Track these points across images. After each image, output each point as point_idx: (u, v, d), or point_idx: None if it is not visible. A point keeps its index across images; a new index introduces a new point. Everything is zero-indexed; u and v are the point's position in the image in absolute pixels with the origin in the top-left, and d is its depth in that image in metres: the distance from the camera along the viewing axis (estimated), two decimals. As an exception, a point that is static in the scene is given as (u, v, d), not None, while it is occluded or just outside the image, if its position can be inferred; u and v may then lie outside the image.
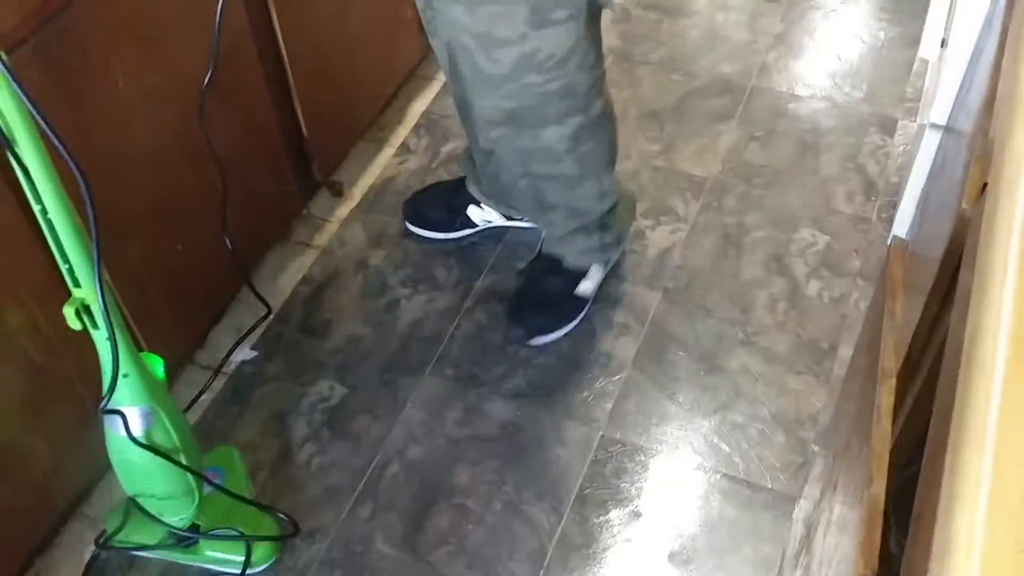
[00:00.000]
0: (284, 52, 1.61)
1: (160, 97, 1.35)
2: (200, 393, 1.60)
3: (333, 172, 1.93)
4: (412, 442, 1.55)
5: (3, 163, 1.01)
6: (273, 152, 1.69)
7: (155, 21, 1.32)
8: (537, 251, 1.76)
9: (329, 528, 1.46)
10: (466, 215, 1.80)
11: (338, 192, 1.92)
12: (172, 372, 1.56)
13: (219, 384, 1.63)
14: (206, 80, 1.26)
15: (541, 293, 1.70)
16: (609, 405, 1.59)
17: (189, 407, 1.58)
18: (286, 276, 1.78)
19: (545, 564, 1.41)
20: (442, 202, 1.83)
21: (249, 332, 1.68)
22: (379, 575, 1.41)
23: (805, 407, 1.57)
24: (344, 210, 1.90)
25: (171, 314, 1.53)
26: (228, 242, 1.50)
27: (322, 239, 1.85)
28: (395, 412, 1.59)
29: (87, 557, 1.43)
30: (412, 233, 1.84)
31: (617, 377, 1.62)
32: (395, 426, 1.57)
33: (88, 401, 1.30)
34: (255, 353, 1.67)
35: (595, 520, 1.46)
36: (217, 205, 1.45)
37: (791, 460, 1.51)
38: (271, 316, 1.71)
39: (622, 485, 1.49)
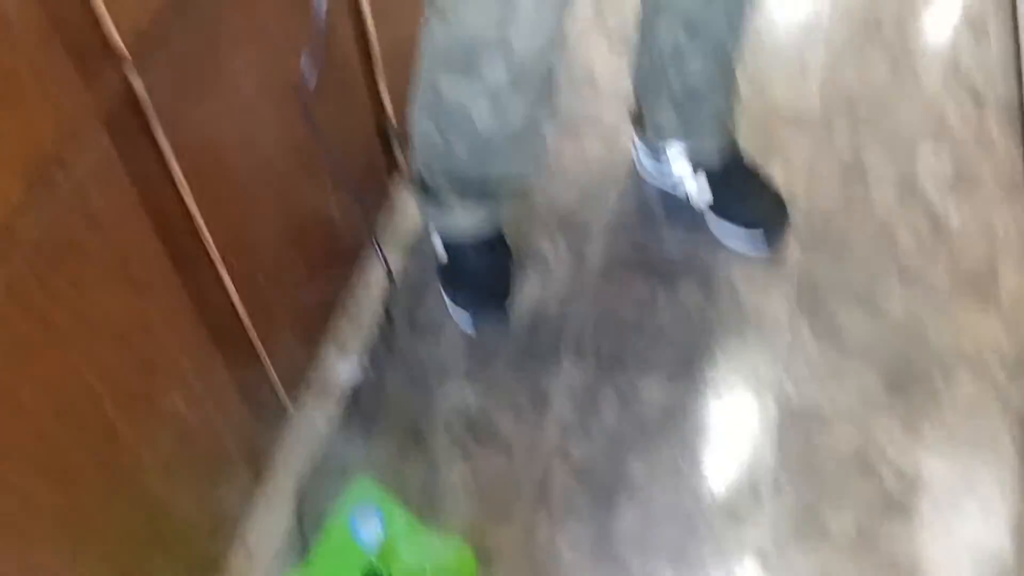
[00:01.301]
0: (373, 33, 1.40)
1: (268, 95, 1.16)
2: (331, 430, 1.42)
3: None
4: (571, 438, 1.39)
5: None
6: (370, 143, 1.50)
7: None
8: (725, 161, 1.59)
9: (505, 549, 1.29)
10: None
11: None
12: (290, 396, 1.37)
13: (335, 408, 1.44)
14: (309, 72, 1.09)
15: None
16: (778, 368, 1.44)
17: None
18: (380, 280, 1.59)
19: (762, 554, 1.26)
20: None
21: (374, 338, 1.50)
22: (578, 590, 1.25)
23: (984, 341, 1.44)
24: (425, 197, 1.71)
25: (296, 339, 1.34)
26: (377, 247, 1.32)
27: (415, 231, 1.66)
28: (543, 409, 1.42)
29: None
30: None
31: (776, 337, 1.47)
32: (546, 425, 1.40)
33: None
34: (372, 368, 1.48)
35: (800, 503, 1.31)
36: (330, 207, 1.27)
37: (988, 398, 1.38)
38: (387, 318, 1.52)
39: (812, 452, 1.35)
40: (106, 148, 0.85)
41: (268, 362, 1.24)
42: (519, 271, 1.57)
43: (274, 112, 1.15)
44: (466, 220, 1.49)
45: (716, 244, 1.58)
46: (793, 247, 1.57)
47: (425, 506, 1.33)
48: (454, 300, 1.53)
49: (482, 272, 1.54)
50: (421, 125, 1.35)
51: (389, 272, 1.46)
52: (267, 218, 1.19)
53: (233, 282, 1.10)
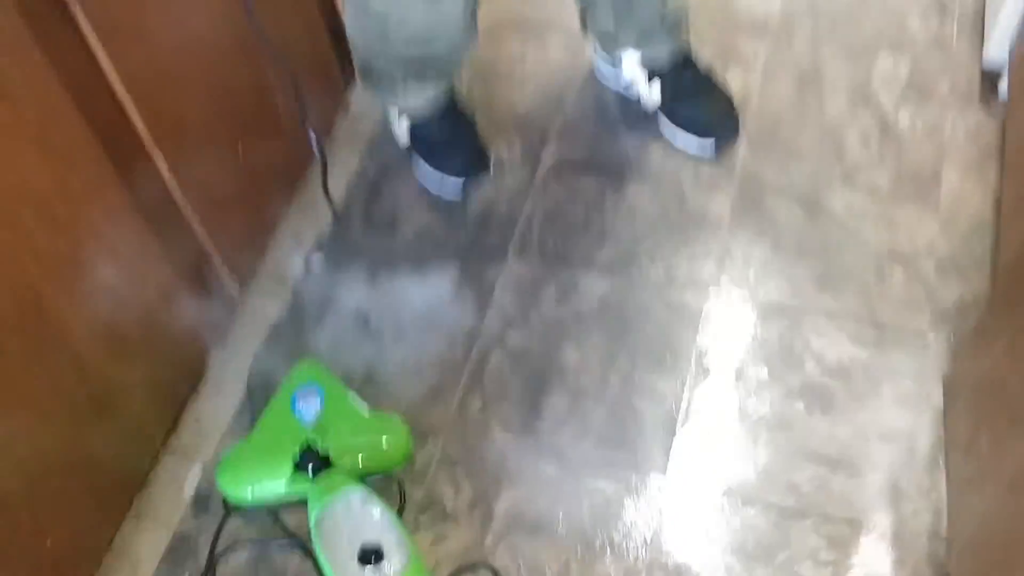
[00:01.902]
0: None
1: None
2: (283, 313, 1.48)
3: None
4: (510, 328, 1.44)
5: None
6: (316, 38, 1.55)
7: None
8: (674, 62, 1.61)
9: (440, 427, 1.35)
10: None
11: (376, 80, 1.77)
12: (238, 280, 1.44)
13: (286, 294, 1.51)
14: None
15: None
16: (711, 264, 1.48)
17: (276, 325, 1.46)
18: (338, 173, 1.65)
19: (676, 433, 1.32)
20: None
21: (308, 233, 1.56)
22: (504, 463, 1.31)
23: (919, 240, 1.47)
24: (385, 98, 1.76)
25: (240, 224, 1.40)
26: (313, 138, 1.38)
27: (367, 129, 1.71)
28: (485, 300, 1.48)
29: (188, 492, 1.33)
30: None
31: (716, 234, 1.51)
32: (488, 314, 1.46)
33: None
34: (321, 258, 1.55)
35: (720, 381, 1.36)
36: (275, 103, 1.32)
37: (914, 294, 1.42)
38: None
39: (741, 342, 1.40)
40: (15, 23, 0.91)
41: (209, 243, 1.30)
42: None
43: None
44: (419, 97, 1.56)
45: (667, 146, 1.62)
46: (743, 148, 1.60)
47: (367, 387, 1.39)
48: (433, 171, 1.60)
49: (452, 137, 1.61)
50: (355, 18, 1.43)
51: (324, 166, 1.50)
52: (203, 102, 1.24)
53: (165, 159, 1.15)
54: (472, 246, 1.54)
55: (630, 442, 1.32)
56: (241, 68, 1.31)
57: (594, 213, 1.56)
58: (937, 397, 1.32)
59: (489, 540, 1.26)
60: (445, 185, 1.59)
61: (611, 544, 1.24)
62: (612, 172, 1.60)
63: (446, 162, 1.59)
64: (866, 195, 1.53)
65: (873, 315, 1.41)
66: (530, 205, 1.58)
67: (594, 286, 1.47)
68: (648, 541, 1.24)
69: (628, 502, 1.27)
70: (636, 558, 1.23)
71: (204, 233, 1.28)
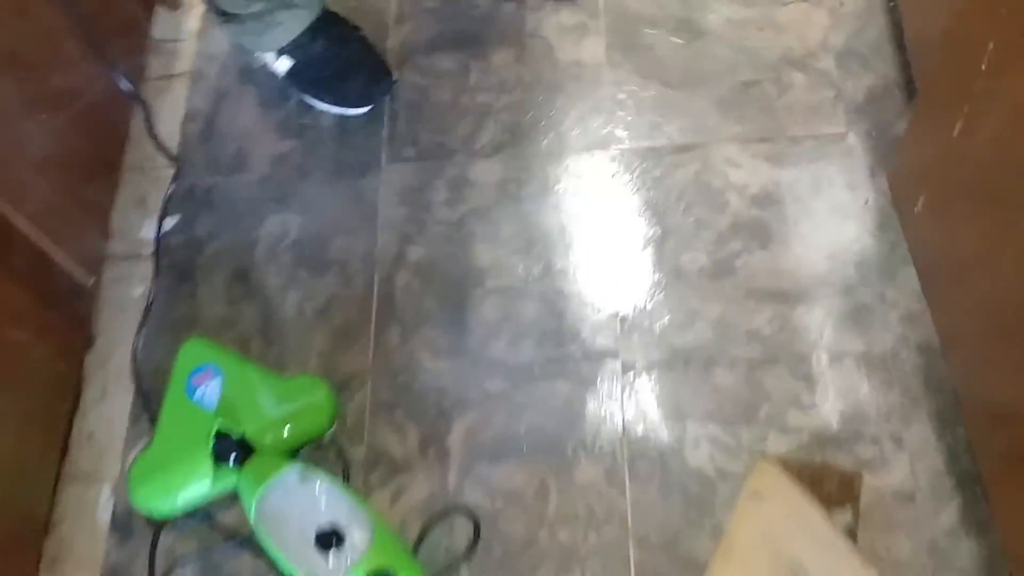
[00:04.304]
0: None
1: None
2: (152, 289, 1.29)
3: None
4: (407, 242, 1.29)
5: None
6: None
7: None
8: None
9: (363, 371, 1.21)
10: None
11: (174, 3, 1.54)
12: (86, 268, 1.25)
13: (148, 270, 1.31)
14: None
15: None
16: (602, 118, 1.34)
17: (147, 304, 1.27)
18: (164, 120, 1.43)
19: (618, 311, 1.21)
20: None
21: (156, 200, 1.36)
22: (444, 392, 1.18)
23: (810, 38, 1.36)
24: (193, 21, 1.53)
25: (69, 204, 1.20)
26: (124, 82, 1.17)
27: (185, 64, 1.49)
28: (371, 218, 1.31)
29: (104, 520, 1.16)
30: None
31: (599, 84, 1.37)
32: (379, 233, 1.30)
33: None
34: (176, 219, 1.35)
35: (649, 243, 1.25)
36: (67, 51, 1.10)
37: (821, 97, 1.32)
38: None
39: (657, 197, 1.28)
40: None
41: (38, 238, 1.10)
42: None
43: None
44: (295, 27, 1.34)
45: (523, 5, 1.45)
46: (600, -15, 1.45)
47: (268, 350, 1.23)
48: (333, 107, 1.39)
49: (344, 62, 1.38)
50: None
51: (148, 114, 1.29)
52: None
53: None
54: (338, 163, 1.36)
55: (572, 332, 1.20)
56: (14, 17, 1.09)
57: (462, 93, 1.39)
58: (874, 198, 1.23)
59: (452, 479, 1.13)
60: (345, 108, 1.39)
61: (584, 447, 1.13)
62: (471, 44, 1.43)
63: (345, 93, 1.38)
64: (742, 4, 1.40)
65: (784, 130, 1.30)
66: (389, 101, 1.40)
67: (485, 172, 1.32)
68: (622, 433, 1.14)
69: (588, 397, 1.16)
70: (614, 454, 1.13)
71: (29, 228, 1.08)
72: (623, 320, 1.20)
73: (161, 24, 1.52)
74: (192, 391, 1.16)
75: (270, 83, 1.43)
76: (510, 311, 1.22)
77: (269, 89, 1.43)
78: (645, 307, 1.20)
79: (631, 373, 1.17)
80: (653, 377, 1.16)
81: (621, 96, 1.36)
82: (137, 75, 1.45)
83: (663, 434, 1.13)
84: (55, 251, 1.17)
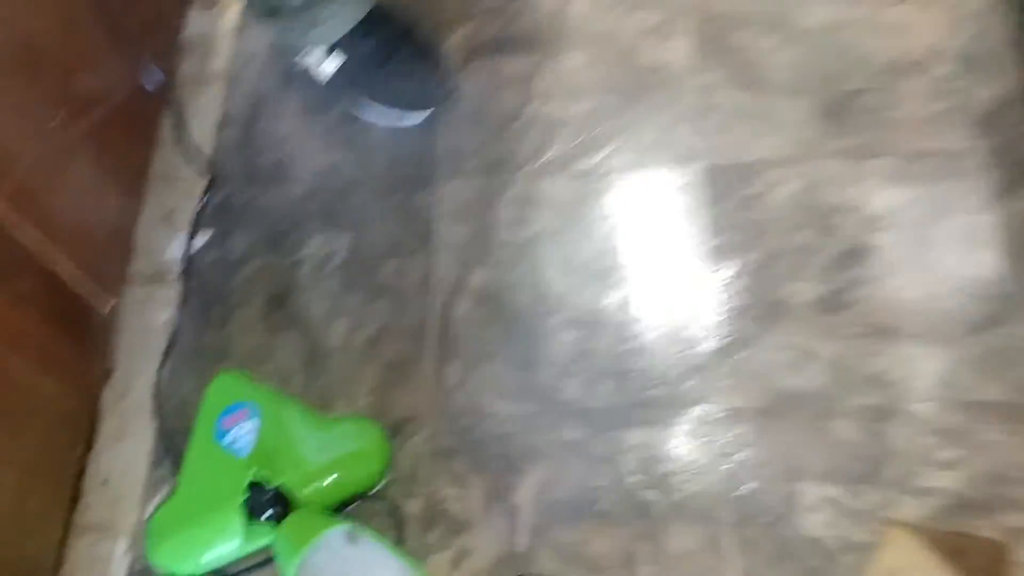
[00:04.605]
0: None
1: None
2: (179, 314, 1.14)
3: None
4: (470, 267, 1.13)
5: None
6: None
7: None
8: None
9: (419, 412, 1.05)
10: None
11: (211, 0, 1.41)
12: (114, 301, 1.10)
13: (174, 293, 1.16)
14: None
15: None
16: (688, 130, 1.19)
17: (173, 331, 1.12)
18: (197, 126, 1.29)
19: (713, 353, 1.05)
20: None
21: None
22: (512, 439, 1.02)
23: (925, 41, 1.21)
24: (229, 17, 1.39)
25: (89, 220, 1.06)
26: (157, 80, 1.03)
27: (220, 65, 1.35)
28: (427, 239, 1.16)
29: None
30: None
31: (684, 90, 1.22)
32: (437, 256, 1.15)
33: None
34: (207, 236, 1.20)
35: (750, 270, 1.09)
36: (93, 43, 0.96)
37: (939, 106, 1.16)
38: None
39: (757, 221, 1.12)
40: None
41: (54, 261, 0.96)
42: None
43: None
44: (345, 18, 1.19)
45: (596, 4, 1.31)
46: (683, -18, 1.30)
47: (309, 387, 1.08)
48: (387, 108, 1.24)
49: (400, 59, 1.23)
50: None
51: (180, 119, 1.15)
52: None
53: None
54: (390, 177, 1.21)
55: (659, 373, 1.04)
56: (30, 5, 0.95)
57: (529, 101, 1.24)
58: (1006, 223, 1.07)
59: (522, 542, 0.97)
60: (405, 120, 1.24)
61: (678, 509, 0.97)
62: (536, 45, 1.29)
63: (401, 97, 1.23)
64: (846, 2, 1.25)
65: (898, 145, 1.14)
66: (447, 108, 1.25)
67: (556, 189, 1.17)
68: (723, 493, 0.97)
69: (680, 450, 1.00)
70: (715, 518, 0.96)
71: (39, 244, 0.93)
72: (719, 360, 1.04)
73: (194, 21, 1.38)
74: (222, 435, 1.01)
75: (314, 87, 1.29)
76: (586, 347, 1.06)
77: (313, 94, 1.29)
78: (745, 345, 1.04)
79: (730, 422, 1.00)
80: (758, 428, 1.00)
81: (709, 104, 1.20)
82: (167, 76, 1.31)
83: (772, 496, 0.96)
84: (69, 271, 1.03)
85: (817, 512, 0.95)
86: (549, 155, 1.19)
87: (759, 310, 1.06)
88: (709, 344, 1.05)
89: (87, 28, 1.10)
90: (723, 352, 1.04)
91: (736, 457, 0.98)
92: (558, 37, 1.29)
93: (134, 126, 1.21)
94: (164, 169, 1.24)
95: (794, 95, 1.19)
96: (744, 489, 0.97)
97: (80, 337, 1.05)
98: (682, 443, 1.00)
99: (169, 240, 1.19)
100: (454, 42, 1.30)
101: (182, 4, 1.37)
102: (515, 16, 1.32)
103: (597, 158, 1.18)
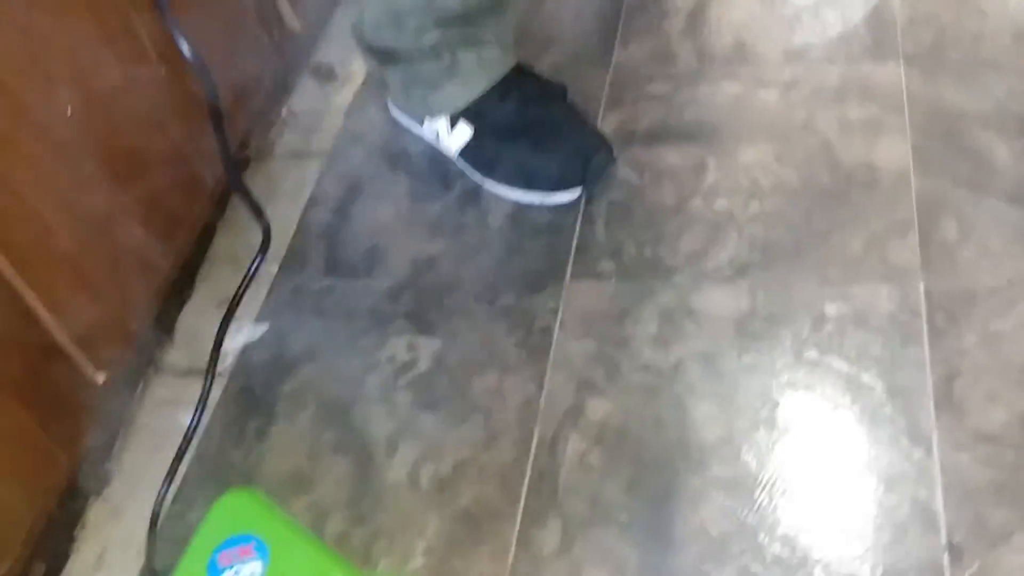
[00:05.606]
0: None
1: None
2: (194, 420, 0.87)
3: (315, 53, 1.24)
4: (591, 392, 0.83)
5: None
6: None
7: None
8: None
9: (492, 585, 0.73)
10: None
11: (329, 74, 1.21)
12: (134, 387, 0.85)
13: (216, 392, 0.90)
14: None
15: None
16: (903, 242, 0.88)
17: (184, 441, 0.84)
18: (282, 205, 1.07)
19: (949, 555, 0.70)
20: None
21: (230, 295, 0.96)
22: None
23: None
24: (345, 95, 1.19)
25: (126, 295, 0.82)
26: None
27: (324, 143, 1.13)
28: (540, 352, 0.87)
29: None
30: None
31: (897, 197, 0.91)
32: (549, 375, 0.85)
33: None
34: (263, 328, 0.95)
35: (988, 440, 0.74)
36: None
37: None
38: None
39: (1000, 351, 0.78)
40: None
41: (66, 338, 0.72)
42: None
43: None
44: (480, 77, 0.97)
45: (786, 95, 1.04)
46: (902, 67, 1.02)
47: (351, 530, 0.78)
48: (531, 192, 0.99)
49: (543, 111, 0.98)
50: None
51: (251, 195, 0.92)
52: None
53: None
54: (503, 273, 0.94)
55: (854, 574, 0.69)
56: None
57: (693, 196, 0.96)
58: None
59: None
60: (554, 199, 0.99)
61: None
62: (707, 135, 1.02)
63: (546, 173, 0.97)
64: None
65: None
66: (585, 200, 0.98)
67: (719, 303, 0.87)
68: None
69: None
70: None
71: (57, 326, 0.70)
72: (955, 561, 0.68)
73: (302, 95, 1.19)
74: (216, 573, 0.72)
75: (431, 168, 1.05)
76: (747, 521, 0.73)
77: (428, 175, 1.05)
78: (991, 547, 0.69)
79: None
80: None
81: (934, 222, 0.89)
82: (262, 150, 1.10)
83: None
84: (77, 354, 0.79)
85: None
86: (714, 261, 0.90)
87: (1011, 492, 0.70)
88: (937, 538, 0.70)
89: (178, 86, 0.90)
90: (957, 552, 0.68)
91: None
92: (735, 128, 1.02)
93: (204, 192, 0.99)
94: (231, 248, 1.02)
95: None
96: None
97: (71, 431, 0.79)
98: None
99: (215, 329, 0.94)
100: (606, 128, 1.05)
101: (291, 74, 1.18)
102: (684, 105, 1.06)
103: (778, 268, 0.88)
